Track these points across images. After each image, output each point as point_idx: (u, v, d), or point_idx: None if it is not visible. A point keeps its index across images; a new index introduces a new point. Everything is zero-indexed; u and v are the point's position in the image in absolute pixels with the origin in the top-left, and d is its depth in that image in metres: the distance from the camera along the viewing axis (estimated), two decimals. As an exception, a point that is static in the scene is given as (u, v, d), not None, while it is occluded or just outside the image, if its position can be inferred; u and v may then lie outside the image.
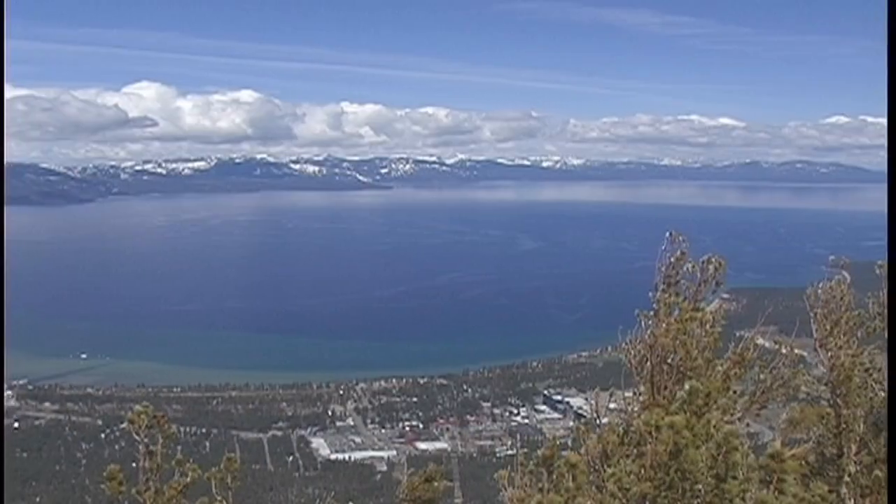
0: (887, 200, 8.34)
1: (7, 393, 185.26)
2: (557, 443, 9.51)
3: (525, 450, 10.45)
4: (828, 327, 10.34)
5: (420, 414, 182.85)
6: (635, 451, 7.97)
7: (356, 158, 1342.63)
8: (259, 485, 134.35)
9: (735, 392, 9.31)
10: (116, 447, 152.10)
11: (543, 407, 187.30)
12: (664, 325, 9.42)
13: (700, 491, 7.03)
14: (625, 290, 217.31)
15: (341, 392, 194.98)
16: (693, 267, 9.81)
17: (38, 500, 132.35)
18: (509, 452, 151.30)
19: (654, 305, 9.68)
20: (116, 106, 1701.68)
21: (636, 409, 9.36)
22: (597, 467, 8.78)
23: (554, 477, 8.91)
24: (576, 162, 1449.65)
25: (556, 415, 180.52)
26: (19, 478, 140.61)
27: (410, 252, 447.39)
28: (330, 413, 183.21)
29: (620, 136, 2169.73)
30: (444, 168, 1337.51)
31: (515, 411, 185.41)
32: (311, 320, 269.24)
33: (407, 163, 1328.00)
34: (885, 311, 9.53)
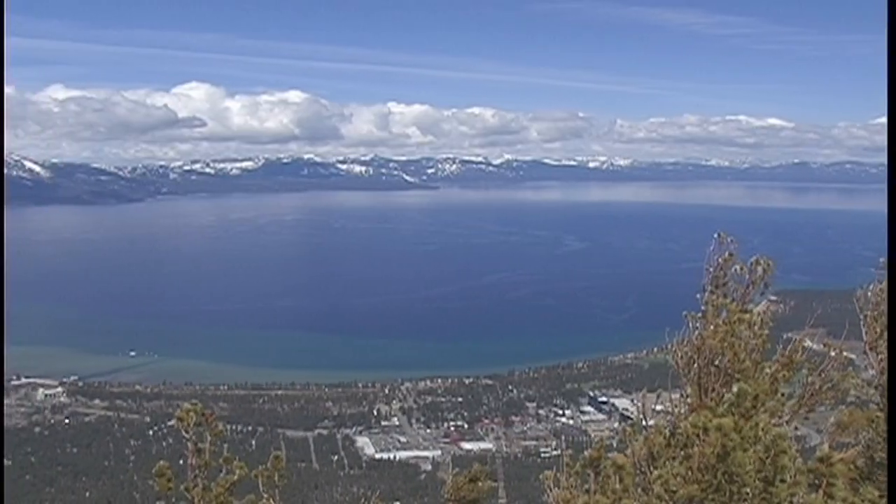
0: (887, 200, 8.29)
1: (58, 389, 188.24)
2: (604, 444, 9.48)
3: (570, 451, 10.40)
4: (878, 330, 10.19)
5: (465, 414, 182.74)
6: (682, 453, 7.92)
7: (403, 158, 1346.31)
8: (304, 483, 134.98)
9: (783, 395, 9.23)
10: (164, 444, 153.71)
11: (588, 408, 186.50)
12: (712, 326, 9.36)
13: (748, 494, 6.99)
14: (671, 292, 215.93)
15: (387, 391, 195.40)
16: (741, 268, 9.74)
17: (87, 494, 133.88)
18: (554, 453, 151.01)
19: (702, 307, 9.62)
20: (166, 106, 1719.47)
21: (683, 411, 9.31)
22: (643, 469, 8.74)
23: (600, 478, 8.88)
24: (622, 162, 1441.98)
25: (601, 416, 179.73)
26: (70, 472, 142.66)
27: (457, 252, 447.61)
28: (375, 412, 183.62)
29: (667, 137, 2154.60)
30: (491, 168, 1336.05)
31: (560, 412, 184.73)
32: (357, 320, 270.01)
33: (453, 163, 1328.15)
34: (886, 311, 9.41)
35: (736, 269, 9.73)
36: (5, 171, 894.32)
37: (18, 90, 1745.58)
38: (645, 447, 8.86)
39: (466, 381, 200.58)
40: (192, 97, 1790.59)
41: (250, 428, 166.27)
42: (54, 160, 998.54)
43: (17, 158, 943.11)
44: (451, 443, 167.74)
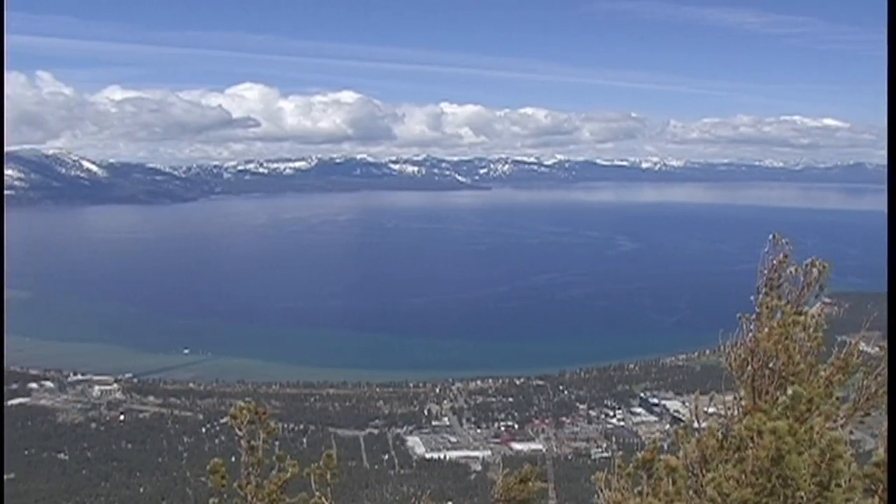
0: (887, 200, 8.20)
1: (113, 386, 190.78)
2: (657, 446, 9.41)
3: (621, 453, 10.34)
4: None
5: (515, 414, 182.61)
6: (735, 456, 7.85)
7: (455, 159, 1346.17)
8: (355, 482, 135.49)
9: (838, 398, 9.11)
10: (216, 441, 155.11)
11: (639, 409, 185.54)
12: (766, 328, 9.26)
13: (802, 498, 6.91)
14: (723, 293, 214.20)
15: (438, 391, 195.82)
16: (796, 270, 9.64)
17: (141, 490, 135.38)
18: (604, 455, 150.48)
19: (756, 309, 9.53)
20: (220, 107, 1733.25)
21: (736, 413, 9.23)
22: (695, 472, 8.67)
23: (653, 480, 8.83)
24: (675, 163, 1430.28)
25: (652, 418, 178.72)
26: (125, 468, 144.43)
27: (508, 252, 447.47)
28: (426, 412, 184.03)
29: (721, 137, 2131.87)
30: (543, 169, 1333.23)
31: (611, 413, 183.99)
32: (408, 320, 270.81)
33: (506, 163, 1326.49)
34: (886, 311, 9.26)
35: (791, 271, 9.64)
36: (63, 171, 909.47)
37: (77, 91, 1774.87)
38: (697, 449, 8.80)
39: (517, 382, 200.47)
40: (246, 98, 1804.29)
41: (301, 426, 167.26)
42: (111, 160, 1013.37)
43: (75, 159, 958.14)
44: (502, 443, 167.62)
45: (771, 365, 9.19)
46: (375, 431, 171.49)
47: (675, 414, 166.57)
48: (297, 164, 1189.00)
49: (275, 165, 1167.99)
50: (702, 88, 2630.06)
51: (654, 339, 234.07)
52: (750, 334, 9.40)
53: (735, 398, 9.44)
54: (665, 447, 9.58)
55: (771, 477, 7.06)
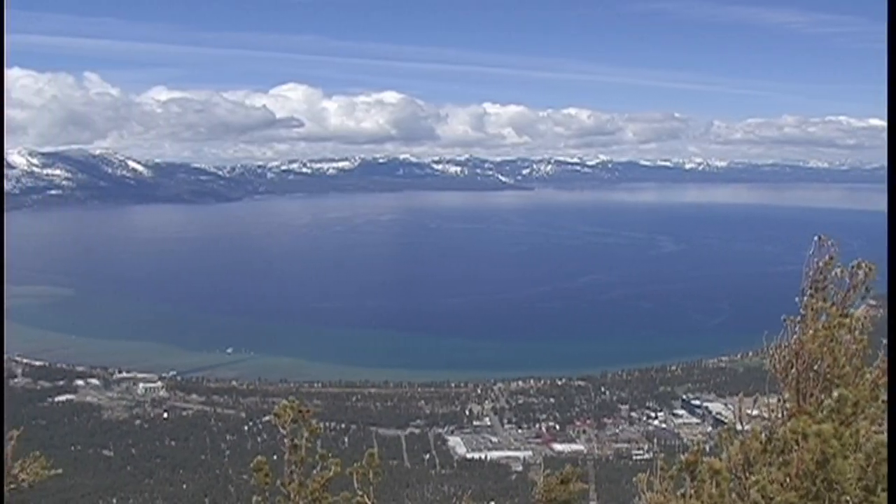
0: (887, 200, 8.10)
1: (157, 384, 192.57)
2: (701, 448, 9.35)
3: (662, 454, 10.30)
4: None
5: (557, 415, 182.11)
6: (779, 459, 7.80)
7: (498, 159, 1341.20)
8: (396, 481, 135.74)
9: (884, 401, 9.02)
10: (259, 439, 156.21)
11: (681, 411, 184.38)
12: (811, 330, 9.19)
13: (848, 502, 6.84)
14: (768, 295, 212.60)
15: (479, 391, 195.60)
16: (841, 272, 9.55)
17: (184, 487, 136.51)
18: (646, 456, 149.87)
19: (801, 310, 9.45)
20: (264, 107, 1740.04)
21: (780, 416, 9.16)
22: (738, 475, 8.61)
23: (696, 483, 8.77)
24: (719, 163, 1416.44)
25: (694, 419, 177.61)
26: (168, 465, 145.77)
27: (551, 253, 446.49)
28: (467, 412, 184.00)
29: (765, 138, 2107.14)
30: (586, 169, 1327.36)
31: (653, 415, 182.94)
32: (451, 320, 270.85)
33: (549, 164, 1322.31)
34: (887, 311, 9.12)
35: (836, 273, 9.55)
36: (109, 170, 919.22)
37: (123, 92, 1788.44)
38: (741, 452, 8.74)
39: (559, 382, 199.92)
40: (289, 98, 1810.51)
41: (343, 425, 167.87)
42: (156, 160, 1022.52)
43: (121, 158, 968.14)
44: (543, 444, 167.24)
45: (816, 367, 9.12)
46: (417, 431, 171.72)
47: (718, 416, 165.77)
48: (341, 164, 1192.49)
49: (318, 165, 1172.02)
50: (746, 88, 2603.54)
51: (697, 341, 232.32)
52: (795, 336, 9.34)
53: (779, 401, 9.37)
54: (707, 449, 9.52)
55: (816, 481, 7.01)
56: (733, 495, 8.42)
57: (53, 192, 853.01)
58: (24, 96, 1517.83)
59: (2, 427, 7.73)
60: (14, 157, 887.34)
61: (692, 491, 8.88)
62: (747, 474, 8.35)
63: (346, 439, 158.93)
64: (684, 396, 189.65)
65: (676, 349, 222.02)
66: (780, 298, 10.35)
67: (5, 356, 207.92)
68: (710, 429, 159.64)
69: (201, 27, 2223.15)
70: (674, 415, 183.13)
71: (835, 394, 7.70)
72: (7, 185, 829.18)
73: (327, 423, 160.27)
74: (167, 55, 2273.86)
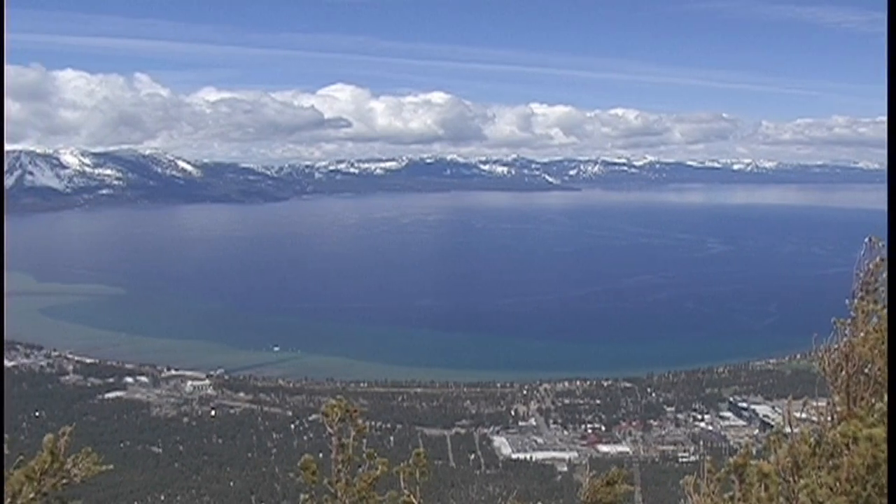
0: (887, 200, 7.98)
1: (205, 382, 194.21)
2: (750, 450, 9.25)
3: (709, 457, 10.21)
4: None
5: (603, 416, 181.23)
6: (829, 463, 7.70)
7: (545, 160, 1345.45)
8: (441, 481, 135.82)
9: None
10: (305, 438, 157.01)
11: (728, 413, 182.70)
12: (862, 333, 9.07)
13: (898, 507, 6.75)
14: (816, 297, 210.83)
15: (525, 392, 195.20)
16: (893, 274, 9.42)
17: (231, 484, 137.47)
18: (692, 458, 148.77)
19: (851, 313, 9.33)
20: (312, 107, 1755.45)
21: (830, 419, 9.05)
22: (788, 478, 8.52)
23: (744, 486, 8.68)
24: (768, 164, 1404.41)
25: (741, 422, 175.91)
26: (215, 462, 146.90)
27: (598, 254, 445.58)
28: (513, 412, 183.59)
29: (815, 139, 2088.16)
30: (633, 170, 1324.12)
31: (699, 417, 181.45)
32: (497, 320, 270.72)
33: (596, 164, 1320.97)
34: (886, 311, 8.94)
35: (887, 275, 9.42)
36: (159, 170, 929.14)
37: (173, 93, 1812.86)
38: (790, 455, 8.64)
39: (605, 384, 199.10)
40: (337, 98, 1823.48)
41: (389, 425, 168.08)
42: (205, 160, 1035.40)
43: (170, 158, 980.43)
44: (588, 445, 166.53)
45: (867, 370, 9.00)
46: (462, 431, 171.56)
47: (765, 419, 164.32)
48: (388, 165, 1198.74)
49: (365, 165, 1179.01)
50: (796, 88, 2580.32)
51: (744, 343, 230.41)
52: (845, 339, 9.21)
53: (828, 404, 9.26)
54: (754, 452, 9.43)
55: (866, 485, 6.92)
56: (781, 499, 8.33)
57: (104, 191, 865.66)
58: (77, 97, 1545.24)
59: (2, 427, 7.87)
60: (66, 157, 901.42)
61: (740, 494, 8.79)
62: (796, 478, 8.26)
63: (391, 439, 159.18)
64: (731, 399, 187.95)
65: (723, 351, 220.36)
66: (830, 301, 10.23)
67: (57, 353, 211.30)
68: (756, 431, 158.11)
69: (250, 28, 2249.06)
70: (720, 417, 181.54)
71: (886, 397, 7.59)
72: (59, 185, 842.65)
73: (373, 423, 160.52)
74: (217, 56, 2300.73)
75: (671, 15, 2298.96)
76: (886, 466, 6.75)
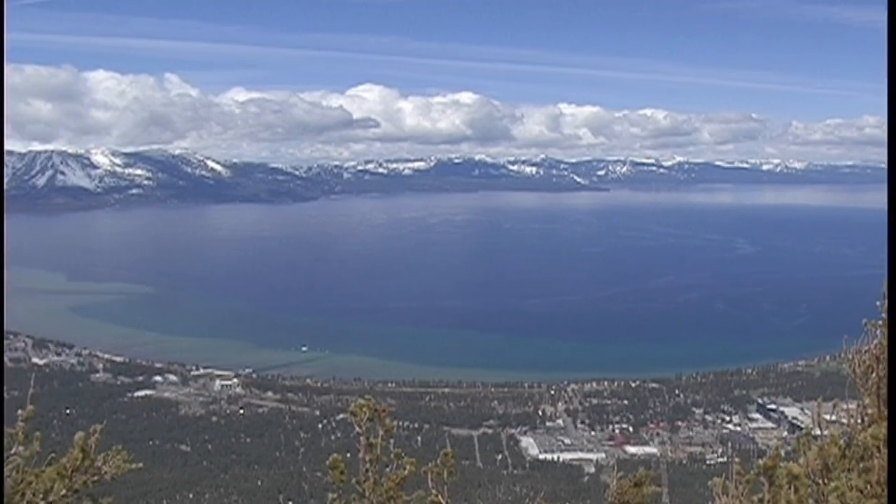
0: (887, 200, 7.92)
1: (234, 381, 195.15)
2: (779, 452, 9.20)
3: (737, 459, 10.15)
4: None
5: (630, 417, 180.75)
6: (860, 465, 7.66)
7: (573, 160, 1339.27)
8: (468, 481, 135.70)
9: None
10: (333, 437, 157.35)
11: (757, 415, 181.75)
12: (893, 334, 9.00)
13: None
14: (847, 298, 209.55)
15: (552, 392, 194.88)
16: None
17: (259, 483, 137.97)
18: (720, 460, 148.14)
19: (882, 314, 9.26)
20: (341, 107, 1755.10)
21: (860, 421, 8.99)
22: (817, 481, 8.47)
23: (773, 488, 8.64)
24: (797, 165, 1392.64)
25: (769, 424, 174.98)
26: (243, 461, 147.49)
27: (626, 254, 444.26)
28: (540, 413, 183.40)
29: (845, 139, 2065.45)
30: (662, 170, 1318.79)
31: (727, 418, 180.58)
32: (525, 320, 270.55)
33: (624, 164, 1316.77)
34: (886, 311, 8.84)
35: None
36: (189, 170, 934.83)
37: (202, 93, 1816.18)
38: (819, 458, 8.60)
39: (633, 385, 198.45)
40: (366, 98, 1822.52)
41: (416, 425, 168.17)
42: (234, 160, 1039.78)
43: (200, 158, 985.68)
44: (616, 446, 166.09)
45: (898, 372, 8.92)
46: (489, 431, 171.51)
47: (794, 421, 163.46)
48: (416, 165, 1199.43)
49: (394, 165, 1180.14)
50: (826, 89, 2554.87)
51: (773, 344, 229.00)
52: (876, 341, 9.15)
53: (859, 406, 9.20)
54: (783, 454, 9.37)
55: (897, 488, 6.87)
56: (811, 501, 8.29)
57: (134, 191, 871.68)
58: (108, 98, 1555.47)
59: (1, 426, 7.91)
60: (97, 156, 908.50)
61: (769, 496, 8.76)
62: (826, 480, 8.22)
63: (418, 438, 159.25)
64: (760, 400, 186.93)
65: (752, 352, 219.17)
66: (860, 302, 10.16)
67: (87, 351, 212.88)
68: (785, 433, 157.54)
69: (279, 29, 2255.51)
70: (749, 419, 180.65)
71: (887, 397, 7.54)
72: (90, 185, 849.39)
73: (400, 423, 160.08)
74: (246, 56, 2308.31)
75: (701, 15, 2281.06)
76: (887, 467, 6.72)
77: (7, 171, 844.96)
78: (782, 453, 9.13)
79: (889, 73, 8.00)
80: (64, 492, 8.19)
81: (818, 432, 9.11)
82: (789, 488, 8.09)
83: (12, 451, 8.18)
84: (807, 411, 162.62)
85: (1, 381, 8.27)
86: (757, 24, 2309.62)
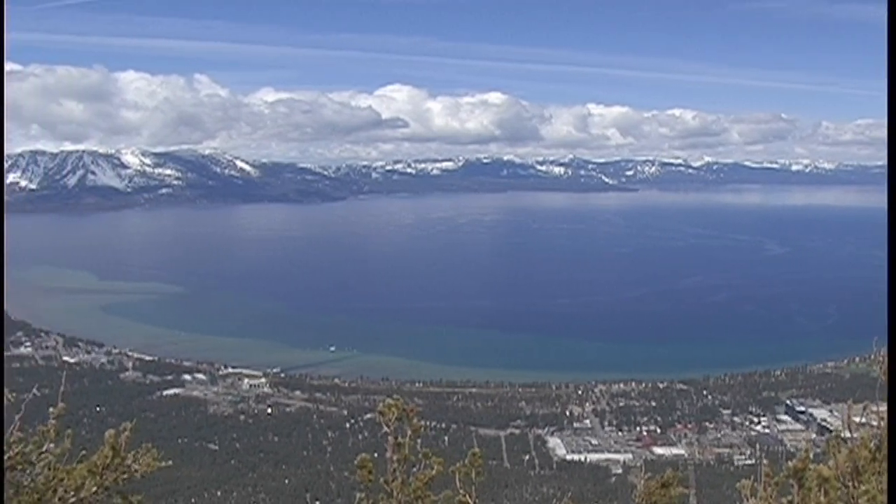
0: (887, 200, 7.86)
1: (262, 380, 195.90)
2: (809, 455, 9.15)
3: (765, 461, 10.10)
4: None
5: (658, 418, 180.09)
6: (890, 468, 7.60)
7: (602, 160, 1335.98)
8: (495, 482, 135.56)
9: None
10: (360, 437, 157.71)
11: (785, 417, 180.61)
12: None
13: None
14: (876, 300, 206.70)
15: (580, 393, 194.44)
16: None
17: (286, 481, 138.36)
18: (748, 462, 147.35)
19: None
20: (370, 108, 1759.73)
21: (890, 424, 8.91)
22: (847, 483, 8.42)
23: (803, 490, 8.60)
24: (827, 165, 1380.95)
25: (798, 426, 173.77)
26: (271, 460, 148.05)
27: (655, 255, 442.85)
28: (568, 413, 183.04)
29: (876, 139, 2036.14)
30: (691, 170, 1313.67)
31: (756, 420, 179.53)
32: (552, 320, 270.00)
33: (653, 165, 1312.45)
34: (886, 312, 8.74)
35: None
36: (218, 170, 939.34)
37: (232, 93, 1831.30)
38: (849, 460, 8.54)
39: (660, 385, 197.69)
40: (394, 99, 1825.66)
41: (443, 425, 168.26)
42: (264, 160, 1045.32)
43: (229, 158, 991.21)
44: (643, 447, 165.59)
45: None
46: (517, 432, 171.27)
47: (822, 423, 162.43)
48: (445, 165, 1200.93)
49: (422, 166, 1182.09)
50: (856, 88, 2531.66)
51: (802, 346, 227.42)
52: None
53: (889, 408, 9.12)
54: (811, 457, 9.32)
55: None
56: (840, 504, 8.25)
57: (164, 191, 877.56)
58: (138, 98, 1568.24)
59: (1, 425, 7.98)
60: (128, 156, 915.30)
61: (798, 499, 8.71)
62: (856, 483, 8.17)
63: (446, 438, 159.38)
64: (788, 402, 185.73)
65: (781, 353, 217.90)
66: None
67: (117, 350, 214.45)
68: (814, 436, 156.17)
69: (308, 29, 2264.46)
70: (777, 420, 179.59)
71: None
72: (120, 184, 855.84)
73: (428, 422, 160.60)
74: (275, 57, 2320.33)
75: (730, 15, 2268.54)
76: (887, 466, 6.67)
77: (38, 171, 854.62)
78: (811, 455, 9.08)
79: (889, 73, 7.98)
80: (95, 489, 8.27)
81: (848, 435, 9.05)
82: (819, 491, 8.05)
83: (44, 449, 8.25)
84: (836, 413, 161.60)
85: (1, 382, 8.33)
86: (787, 24, 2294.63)
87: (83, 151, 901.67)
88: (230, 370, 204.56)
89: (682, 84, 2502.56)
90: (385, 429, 9.72)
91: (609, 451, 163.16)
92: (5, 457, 7.83)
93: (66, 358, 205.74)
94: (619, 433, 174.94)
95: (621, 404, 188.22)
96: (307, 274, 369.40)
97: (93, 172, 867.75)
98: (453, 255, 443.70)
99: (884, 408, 9.16)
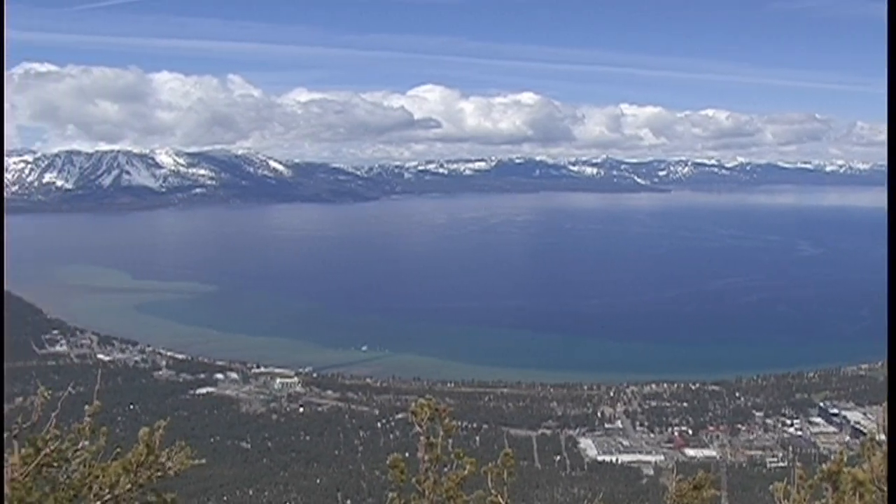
0: (887, 200, 7.87)
1: (294, 379, 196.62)
2: (843, 458, 9.09)
3: (799, 463, 10.05)
4: None
5: (690, 420, 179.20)
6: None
7: (634, 161, 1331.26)
8: (526, 482, 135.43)
9: None
10: (391, 436, 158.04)
11: (818, 419, 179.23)
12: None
13: None
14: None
15: (612, 394, 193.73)
16: None
17: (318, 480, 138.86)
18: (780, 464, 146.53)
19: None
20: (402, 108, 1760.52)
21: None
22: (882, 486, 8.36)
23: (837, 493, 8.54)
24: (861, 166, 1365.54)
25: (831, 428, 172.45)
26: (303, 459, 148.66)
27: (687, 256, 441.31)
28: (599, 414, 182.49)
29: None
30: (724, 171, 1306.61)
31: (788, 422, 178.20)
32: (584, 321, 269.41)
33: (686, 165, 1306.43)
34: (887, 312, 8.66)
35: None
36: (251, 170, 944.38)
37: (265, 94, 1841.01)
38: (884, 464, 8.48)
39: (692, 387, 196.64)
40: (427, 99, 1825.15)
41: (475, 425, 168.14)
42: (296, 160, 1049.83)
43: (262, 158, 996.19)
44: (675, 448, 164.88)
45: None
46: (548, 432, 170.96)
47: (856, 426, 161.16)
48: (477, 165, 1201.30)
49: (455, 166, 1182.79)
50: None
51: (835, 348, 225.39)
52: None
53: (890, 408, 9.06)
54: (844, 459, 9.26)
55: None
56: (875, 507, 8.19)
57: (198, 190, 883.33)
58: (172, 99, 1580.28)
59: (1, 425, 8.06)
60: (162, 156, 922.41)
61: (833, 502, 8.66)
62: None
63: (477, 439, 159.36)
64: (821, 404, 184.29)
65: (814, 355, 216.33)
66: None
67: (151, 349, 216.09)
68: (847, 438, 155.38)
69: (341, 30, 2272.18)
70: (810, 423, 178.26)
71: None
72: (154, 184, 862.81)
73: (459, 422, 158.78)
74: (308, 57, 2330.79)
75: (763, 15, 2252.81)
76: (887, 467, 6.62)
77: (74, 171, 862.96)
78: (846, 458, 9.02)
79: (889, 73, 7.97)
80: (129, 486, 8.35)
81: (882, 438, 8.99)
82: (853, 494, 8.00)
83: (79, 446, 8.35)
84: (870, 416, 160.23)
85: (1, 383, 8.45)
86: (821, 24, 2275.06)
87: (118, 151, 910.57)
88: (262, 369, 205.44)
89: (716, 84, 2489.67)
90: (417, 428, 9.75)
91: (640, 453, 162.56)
92: (41, 454, 7.92)
93: (100, 356, 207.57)
94: (651, 434, 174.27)
95: (653, 405, 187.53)
96: (339, 274, 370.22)
97: (127, 172, 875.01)
98: (485, 256, 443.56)
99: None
